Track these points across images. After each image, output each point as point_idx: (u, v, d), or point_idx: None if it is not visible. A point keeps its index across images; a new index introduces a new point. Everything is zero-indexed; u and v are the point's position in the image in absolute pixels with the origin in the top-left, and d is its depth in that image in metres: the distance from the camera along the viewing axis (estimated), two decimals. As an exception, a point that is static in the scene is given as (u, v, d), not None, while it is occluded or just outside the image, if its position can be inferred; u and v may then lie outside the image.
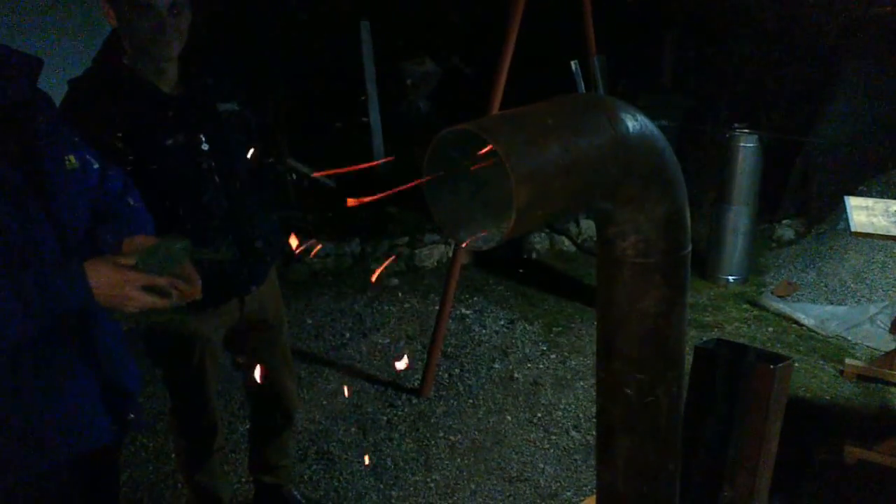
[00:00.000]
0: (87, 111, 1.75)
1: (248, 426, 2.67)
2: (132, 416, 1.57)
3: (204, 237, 1.91)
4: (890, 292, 4.29)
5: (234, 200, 1.97)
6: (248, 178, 2.03)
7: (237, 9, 5.24)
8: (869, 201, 3.30)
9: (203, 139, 1.89)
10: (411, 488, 2.85)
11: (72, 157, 1.47)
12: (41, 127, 1.41)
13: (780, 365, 1.49)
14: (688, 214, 1.12)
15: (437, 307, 3.54)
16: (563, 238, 5.32)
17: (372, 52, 5.79)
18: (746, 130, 4.54)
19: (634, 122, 0.99)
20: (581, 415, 3.31)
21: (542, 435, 3.17)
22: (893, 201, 3.26)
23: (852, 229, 3.02)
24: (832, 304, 4.32)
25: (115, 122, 1.75)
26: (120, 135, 1.72)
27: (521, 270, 4.87)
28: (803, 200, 5.45)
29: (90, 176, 1.54)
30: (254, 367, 2.31)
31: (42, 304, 1.29)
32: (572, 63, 3.99)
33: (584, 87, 3.98)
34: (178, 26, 1.80)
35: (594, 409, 1.26)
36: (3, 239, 1.30)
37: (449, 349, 3.85)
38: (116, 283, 1.35)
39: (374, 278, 4.62)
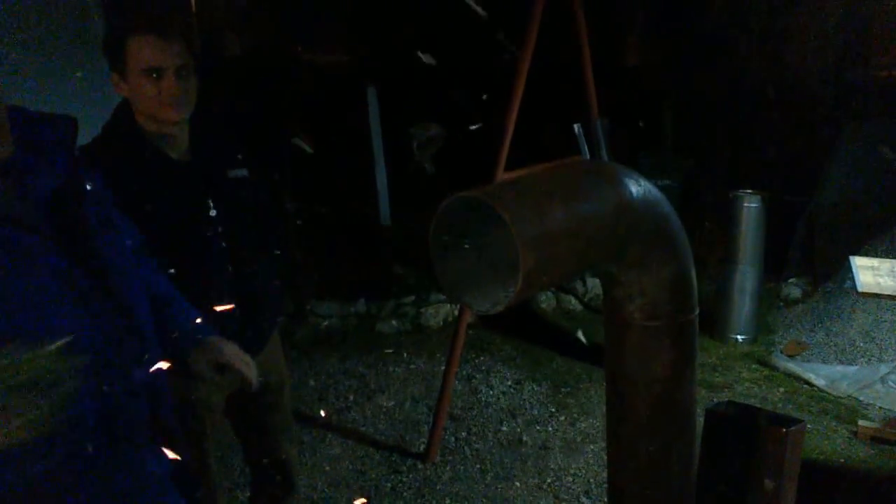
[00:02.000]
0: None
1: (248, 494, 2.61)
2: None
3: (208, 303, 1.92)
4: (900, 352, 4.25)
5: (240, 266, 1.97)
6: (256, 242, 2.04)
7: (243, 76, 5.37)
8: (875, 261, 3.30)
9: (211, 205, 1.91)
10: (417, 557, 2.78)
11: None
12: (91, 203, 1.21)
13: (793, 428, 1.46)
14: (694, 277, 1.12)
15: (443, 367, 3.51)
16: (570, 297, 5.32)
17: (378, 117, 5.92)
18: (749, 191, 4.59)
19: (637, 187, 1.01)
20: (592, 480, 3.23)
21: (552, 502, 3.10)
22: (899, 261, 3.26)
23: (859, 289, 3.01)
24: (842, 363, 4.27)
25: (124, 188, 1.77)
26: (129, 201, 1.74)
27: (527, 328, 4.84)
28: (809, 260, 5.45)
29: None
30: (254, 433, 2.28)
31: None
32: (575, 126, 4.06)
33: (587, 150, 4.03)
34: (187, 90, 1.83)
35: (605, 474, 1.24)
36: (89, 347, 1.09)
37: (455, 411, 3.79)
38: None
39: None
